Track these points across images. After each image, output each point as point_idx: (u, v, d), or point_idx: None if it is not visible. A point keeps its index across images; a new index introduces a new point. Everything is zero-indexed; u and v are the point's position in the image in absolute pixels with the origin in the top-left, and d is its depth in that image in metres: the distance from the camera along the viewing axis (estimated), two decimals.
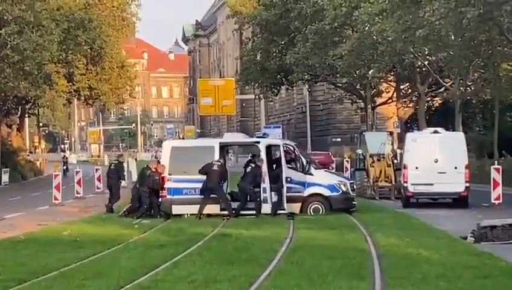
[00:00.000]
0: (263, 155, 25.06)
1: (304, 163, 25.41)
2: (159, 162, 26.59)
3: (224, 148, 26.21)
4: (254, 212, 24.43)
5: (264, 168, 24.77)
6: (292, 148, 25.65)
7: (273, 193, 24.75)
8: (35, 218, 25.67)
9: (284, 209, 24.49)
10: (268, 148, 25.71)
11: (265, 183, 24.71)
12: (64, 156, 78.66)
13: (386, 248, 16.28)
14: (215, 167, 24.45)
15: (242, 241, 17.74)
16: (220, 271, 13.41)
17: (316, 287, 11.82)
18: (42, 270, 13.89)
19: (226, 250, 16.26)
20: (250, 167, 25.20)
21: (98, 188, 39.73)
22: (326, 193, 25.21)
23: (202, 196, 24.55)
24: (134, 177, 48.23)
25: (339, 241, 17.56)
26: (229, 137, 29.43)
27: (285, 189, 24.59)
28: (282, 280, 12.52)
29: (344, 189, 25.43)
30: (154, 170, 25.56)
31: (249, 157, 27.22)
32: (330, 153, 60.71)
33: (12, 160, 58.29)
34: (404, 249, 16.05)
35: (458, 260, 14.46)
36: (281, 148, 25.11)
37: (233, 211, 24.47)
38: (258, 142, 25.74)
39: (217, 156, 24.93)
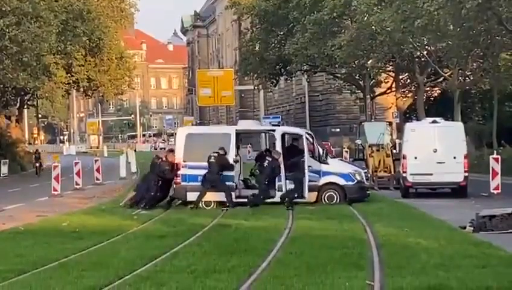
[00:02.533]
0: (278, 143, 25.03)
1: (320, 152, 25.39)
2: (171, 151, 26.43)
3: (239, 136, 26.17)
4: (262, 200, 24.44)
5: (281, 158, 24.76)
6: (311, 138, 25.60)
7: (288, 181, 24.71)
8: (35, 209, 25.68)
9: (304, 198, 24.39)
10: (283, 136, 25.68)
11: (281, 172, 24.70)
12: (37, 150, 60.22)
13: (385, 237, 16.29)
14: (212, 159, 24.36)
15: (241, 232, 17.75)
16: (220, 261, 13.42)
17: (315, 278, 11.82)
18: (41, 261, 13.89)
19: (225, 240, 16.27)
20: (267, 161, 24.99)
21: (97, 179, 39.73)
22: (341, 182, 25.20)
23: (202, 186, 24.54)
24: (134, 168, 48.49)
25: (338, 232, 17.56)
26: (244, 124, 29.07)
27: (307, 178, 24.55)
28: (281, 270, 12.53)
29: (359, 178, 25.44)
30: (164, 159, 25.47)
31: (248, 148, 27.23)
32: (329, 144, 60.65)
33: (12, 151, 58.33)
34: (403, 239, 16.06)
35: (457, 250, 14.48)
36: (304, 138, 24.99)
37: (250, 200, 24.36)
38: (274, 130, 25.71)
39: (233, 143, 24.86)
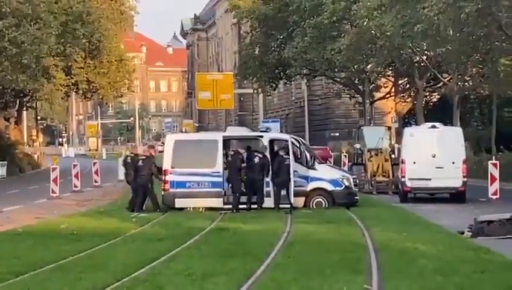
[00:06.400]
0: (266, 149, 25.01)
1: (308, 157, 25.40)
2: (151, 147, 26.96)
3: (227, 142, 26.21)
4: (255, 206, 24.42)
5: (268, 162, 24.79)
6: (298, 143, 25.64)
7: (275, 187, 24.70)
8: (33, 211, 25.69)
9: (291, 204, 24.38)
10: (271, 142, 25.69)
11: (268, 178, 24.71)
12: None
13: (383, 242, 16.28)
14: (229, 158, 24.74)
15: (239, 235, 17.75)
16: (217, 265, 13.41)
17: (313, 282, 11.82)
18: (39, 263, 13.88)
19: (224, 244, 16.27)
20: (257, 158, 24.92)
21: (95, 181, 39.72)
22: (329, 187, 25.23)
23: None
24: None
25: (336, 236, 17.56)
26: (232, 131, 29.22)
27: (292, 183, 24.55)
28: (279, 274, 12.53)
29: (347, 184, 25.44)
30: (132, 154, 25.77)
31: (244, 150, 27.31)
32: (328, 148, 60.65)
33: (10, 153, 58.28)
34: (401, 244, 16.05)
35: (455, 255, 14.48)
36: (289, 143, 24.98)
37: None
38: (261, 136, 25.71)
39: (220, 149, 24.90)
